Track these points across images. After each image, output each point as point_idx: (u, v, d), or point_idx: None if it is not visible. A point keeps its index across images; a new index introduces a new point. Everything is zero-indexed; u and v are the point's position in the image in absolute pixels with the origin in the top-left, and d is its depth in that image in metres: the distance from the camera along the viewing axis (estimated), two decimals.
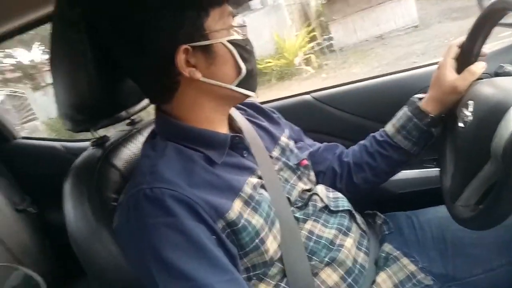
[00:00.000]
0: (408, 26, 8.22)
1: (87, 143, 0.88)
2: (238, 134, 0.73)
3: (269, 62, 7.86)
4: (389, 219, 0.91)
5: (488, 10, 0.69)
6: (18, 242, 1.26)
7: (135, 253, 0.59)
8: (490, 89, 0.66)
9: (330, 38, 8.50)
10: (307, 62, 7.97)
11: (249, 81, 0.70)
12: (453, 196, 0.71)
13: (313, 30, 8.29)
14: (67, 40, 0.69)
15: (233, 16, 0.69)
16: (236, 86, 0.68)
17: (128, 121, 0.94)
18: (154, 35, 0.62)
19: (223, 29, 0.65)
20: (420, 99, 0.83)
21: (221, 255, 0.58)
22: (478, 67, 0.74)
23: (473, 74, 0.74)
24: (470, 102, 0.68)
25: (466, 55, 0.78)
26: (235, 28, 0.69)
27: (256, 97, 0.78)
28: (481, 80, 0.73)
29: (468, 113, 0.68)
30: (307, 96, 1.18)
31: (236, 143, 0.72)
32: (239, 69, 0.66)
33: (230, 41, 0.65)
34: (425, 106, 0.81)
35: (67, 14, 0.68)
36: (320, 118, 1.16)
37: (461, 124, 0.70)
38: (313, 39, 8.29)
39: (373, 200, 0.97)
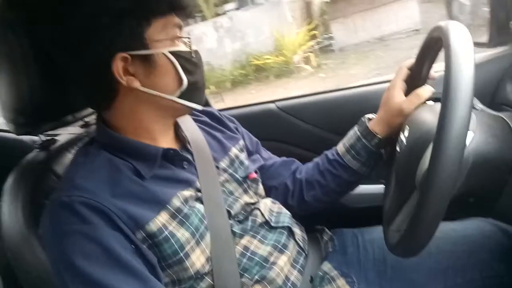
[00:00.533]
0: (410, 29, 8.17)
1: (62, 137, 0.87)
2: (173, 148, 0.72)
3: (268, 58, 7.82)
4: (336, 236, 0.91)
5: (429, 38, 0.68)
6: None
7: (52, 261, 0.59)
8: (427, 115, 0.65)
9: (331, 38, 8.45)
10: (306, 60, 7.92)
11: (193, 93, 0.69)
12: (389, 219, 0.70)
13: (314, 28, 8.23)
14: (7, 42, 0.68)
15: (180, 27, 0.69)
16: (178, 97, 0.67)
17: (82, 123, 0.93)
18: (91, 41, 0.61)
19: (166, 39, 0.64)
20: (370, 119, 0.83)
21: (138, 264, 0.58)
22: (425, 90, 0.73)
23: (420, 97, 0.73)
24: (406, 127, 0.68)
25: (415, 78, 0.78)
26: (181, 40, 0.68)
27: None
28: (424, 105, 0.73)
29: (403, 138, 0.68)
30: (272, 105, 1.17)
31: (172, 156, 0.71)
32: (180, 80, 0.66)
33: (173, 52, 0.64)
34: (373, 127, 0.81)
35: (7, 16, 0.67)
36: (283, 128, 1.16)
37: (397, 149, 0.70)
38: (313, 37, 8.24)
39: (326, 213, 0.96)
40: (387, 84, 1.04)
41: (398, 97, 0.76)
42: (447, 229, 0.82)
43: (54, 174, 0.74)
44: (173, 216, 0.65)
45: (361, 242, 0.88)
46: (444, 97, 0.52)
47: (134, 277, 0.57)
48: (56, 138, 0.84)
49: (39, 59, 0.69)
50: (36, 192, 0.71)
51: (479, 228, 0.80)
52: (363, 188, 1.07)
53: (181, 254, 0.63)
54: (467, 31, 0.58)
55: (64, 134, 0.87)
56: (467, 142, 0.56)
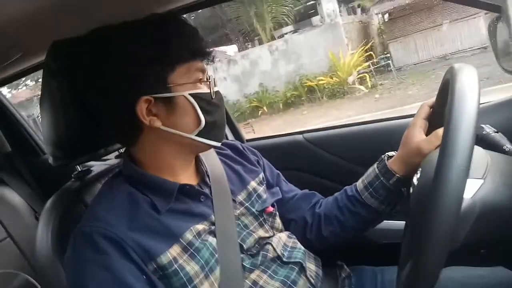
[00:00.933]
0: (476, 47, 7.69)
1: (97, 167, 0.96)
2: (189, 184, 0.75)
3: (321, 79, 7.80)
4: (354, 273, 0.87)
5: (446, 78, 0.65)
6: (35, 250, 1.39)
7: (68, 285, 0.64)
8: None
9: (388, 58, 8.23)
10: (361, 81, 7.78)
11: (212, 131, 0.72)
12: (402, 262, 0.67)
13: (370, 49, 8.09)
14: (50, 87, 0.78)
15: (203, 71, 0.73)
16: (197, 135, 0.71)
17: (117, 153, 1.01)
18: (119, 86, 0.67)
19: (187, 83, 0.69)
20: (391, 156, 0.80)
21: None
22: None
23: (439, 137, 0.69)
24: (420, 169, 0.65)
25: (436, 116, 0.74)
26: (203, 82, 0.72)
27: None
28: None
29: (415, 180, 0.65)
30: (299, 136, 1.17)
31: (188, 191, 0.75)
32: (199, 120, 0.70)
33: (193, 94, 0.69)
34: (392, 165, 0.78)
35: (51, 64, 0.77)
36: (309, 159, 1.15)
37: (411, 190, 0.67)
38: (369, 58, 8.09)
39: (348, 248, 0.93)
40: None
41: (417, 136, 0.73)
42: (474, 274, 0.75)
43: (84, 204, 0.81)
44: (184, 249, 0.66)
45: (380, 282, 0.84)
46: (442, 145, 0.50)
47: None
48: (91, 169, 0.92)
49: (74, 102, 0.77)
50: (66, 220, 0.76)
51: (507, 276, 0.72)
52: (390, 223, 1.02)
53: (189, 287, 0.65)
54: (476, 76, 0.55)
55: (99, 165, 0.96)
56: (474, 190, 0.53)
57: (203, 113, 0.69)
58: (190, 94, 0.68)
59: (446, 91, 0.71)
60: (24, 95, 11.27)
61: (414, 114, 1.09)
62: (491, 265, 0.74)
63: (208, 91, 0.71)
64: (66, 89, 0.77)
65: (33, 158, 1.58)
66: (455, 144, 0.48)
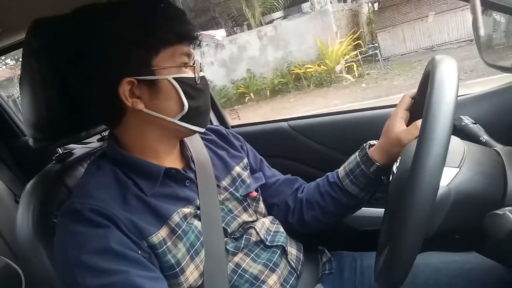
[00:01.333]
0: (463, 39, 7.78)
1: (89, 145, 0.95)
2: (174, 168, 0.75)
3: (309, 67, 7.80)
4: (335, 258, 0.89)
5: (427, 69, 0.66)
6: (14, 232, 1.38)
7: (61, 263, 0.62)
8: None
9: (376, 47, 8.26)
10: (349, 70, 7.81)
11: (196, 117, 0.72)
12: (380, 248, 0.69)
13: (359, 38, 8.09)
14: (30, 66, 0.76)
15: (189, 55, 0.72)
16: (180, 120, 0.71)
17: (99, 136, 1.00)
18: (102, 67, 0.66)
19: (172, 67, 0.68)
20: (372, 145, 0.82)
21: (145, 260, 0.63)
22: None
23: (418, 128, 0.71)
24: (399, 158, 0.67)
25: (417, 107, 0.75)
26: (189, 67, 0.71)
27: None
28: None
29: (395, 168, 0.66)
30: (284, 124, 1.18)
31: (174, 175, 0.75)
32: (182, 105, 0.69)
33: (177, 78, 0.68)
34: (373, 154, 0.79)
35: (32, 43, 0.75)
36: (293, 146, 1.16)
37: (390, 178, 0.68)
38: (357, 47, 8.11)
39: (329, 234, 0.95)
40: None
41: (398, 126, 0.74)
42: (448, 260, 0.78)
43: (65, 187, 0.79)
44: (173, 231, 0.67)
45: (359, 266, 0.86)
46: (420, 133, 0.51)
47: (142, 267, 0.61)
48: (72, 151, 0.91)
49: (56, 82, 0.76)
50: (46, 203, 0.75)
51: (482, 262, 0.75)
52: (369, 211, 1.04)
53: (177, 269, 0.65)
54: (455, 68, 0.56)
55: (80, 148, 0.94)
56: (449, 179, 0.54)
57: (186, 98, 0.69)
58: (174, 78, 0.67)
59: (427, 82, 0.72)
60: (4, 74, 10.95)
61: (395, 105, 1.11)
62: (465, 250, 0.77)
63: (193, 75, 0.70)
64: (47, 69, 0.75)
65: (13, 140, 1.54)
66: (433, 132, 0.49)
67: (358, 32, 8.17)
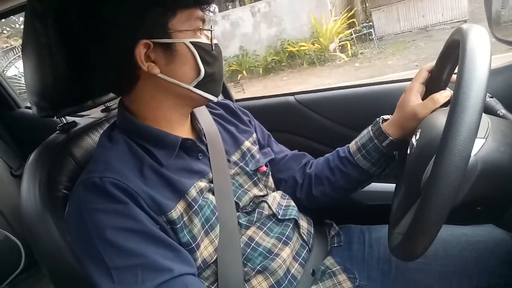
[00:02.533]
0: (457, 19, 7.74)
1: (83, 120, 0.91)
2: (190, 138, 0.73)
3: (303, 45, 7.70)
4: (343, 231, 0.90)
5: (450, 40, 0.64)
6: (10, 205, 1.36)
7: (83, 238, 0.61)
8: (440, 119, 0.63)
9: (370, 26, 8.17)
10: (342, 49, 7.74)
11: (210, 84, 0.70)
12: (394, 221, 0.69)
13: (353, 16, 7.98)
14: (35, 31, 0.72)
15: (203, 20, 0.69)
16: (195, 87, 0.68)
17: (103, 107, 0.97)
18: (116, 28, 0.63)
19: (188, 30, 0.66)
20: (385, 120, 0.81)
21: (168, 238, 0.62)
22: (442, 95, 0.70)
23: (435, 102, 0.70)
24: (418, 130, 0.66)
25: (434, 81, 0.74)
26: (203, 32, 0.69)
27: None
28: (439, 110, 0.70)
29: (414, 141, 0.66)
30: (291, 98, 1.16)
31: (189, 146, 0.73)
32: (198, 70, 0.67)
33: (193, 43, 0.66)
34: (386, 128, 0.79)
35: (36, 6, 0.71)
36: (300, 121, 1.15)
37: (408, 152, 0.68)
38: (352, 25, 8.01)
39: (337, 208, 0.96)
40: (404, 83, 1.01)
41: (413, 100, 0.74)
42: (457, 233, 0.80)
43: (71, 157, 0.77)
44: (189, 205, 0.66)
45: (368, 239, 0.88)
46: (453, 102, 0.50)
47: (166, 247, 0.60)
48: (77, 121, 0.88)
49: (62, 47, 0.72)
50: (53, 173, 0.73)
51: (490, 235, 0.77)
52: (377, 186, 1.05)
53: (193, 245, 0.65)
54: (487, 36, 0.55)
55: (85, 118, 0.91)
56: (476, 149, 0.53)
57: (202, 63, 0.67)
58: (190, 43, 0.65)
59: (448, 55, 0.71)
60: None
61: (405, 79, 1.10)
62: (482, 223, 0.77)
63: (208, 42, 0.68)
64: (53, 33, 0.71)
65: (7, 112, 1.49)
66: (467, 101, 0.48)
67: (353, 10, 8.04)
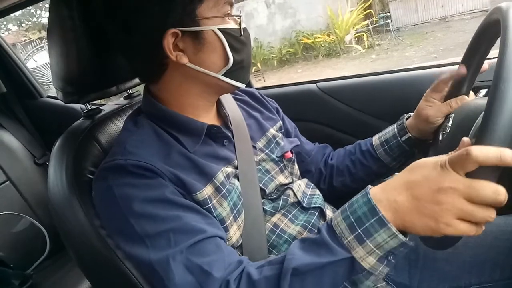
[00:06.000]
0: (477, 9, 7.51)
1: (107, 106, 0.91)
2: (216, 125, 0.73)
3: (318, 37, 7.60)
4: None
5: (486, 22, 0.62)
6: (34, 193, 1.38)
7: (113, 215, 0.61)
8: (473, 103, 0.62)
9: (387, 17, 8.00)
10: (359, 41, 7.61)
11: (238, 72, 0.69)
12: None
13: (370, 7, 7.83)
14: (60, 16, 0.72)
15: (231, 4, 0.68)
16: (223, 75, 0.67)
17: (125, 94, 0.97)
18: (144, 17, 0.62)
19: (216, 17, 0.64)
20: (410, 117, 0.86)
21: (197, 206, 0.63)
22: (456, 102, 0.74)
23: (450, 108, 0.75)
24: (452, 115, 0.66)
25: (456, 86, 0.76)
26: (231, 17, 0.67)
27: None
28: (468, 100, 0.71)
29: (448, 124, 0.67)
30: (313, 85, 1.14)
31: (215, 133, 0.72)
32: (227, 58, 0.66)
33: (222, 30, 0.64)
34: (408, 125, 0.84)
35: None
36: (322, 109, 1.13)
37: (440, 138, 0.67)
38: (368, 16, 7.86)
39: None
40: (431, 70, 0.99)
41: (425, 108, 0.79)
42: (490, 223, 0.78)
43: (96, 142, 0.77)
44: (217, 189, 0.66)
45: None
46: (495, 76, 0.47)
47: (197, 212, 0.61)
48: (101, 108, 0.88)
49: (88, 32, 0.72)
50: (79, 158, 0.73)
51: None
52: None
53: (223, 228, 0.65)
54: None
55: (109, 104, 0.92)
56: None
57: (231, 50, 0.65)
58: (219, 29, 0.64)
59: (484, 36, 0.68)
60: (7, 40, 10.78)
61: (433, 66, 1.09)
62: None
63: (237, 27, 0.67)
64: (79, 16, 0.71)
65: (30, 101, 1.52)
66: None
67: (370, 1, 7.88)
